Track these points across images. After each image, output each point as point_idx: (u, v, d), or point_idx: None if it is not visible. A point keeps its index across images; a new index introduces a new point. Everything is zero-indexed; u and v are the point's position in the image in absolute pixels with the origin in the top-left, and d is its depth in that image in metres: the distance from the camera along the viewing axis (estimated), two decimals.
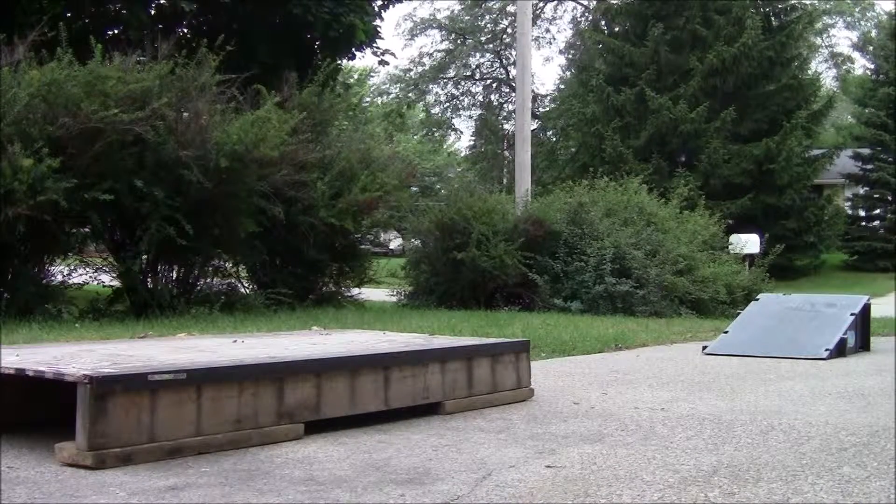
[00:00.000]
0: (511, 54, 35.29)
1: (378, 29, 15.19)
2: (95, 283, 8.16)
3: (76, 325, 6.61)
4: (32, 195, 6.52)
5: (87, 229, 7.80)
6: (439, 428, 3.05)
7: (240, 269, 9.42)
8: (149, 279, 7.97)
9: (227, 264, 9.11)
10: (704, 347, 5.84)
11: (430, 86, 40.87)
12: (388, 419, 3.10)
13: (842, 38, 72.05)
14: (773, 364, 5.13)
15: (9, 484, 2.21)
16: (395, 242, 16.46)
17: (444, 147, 46.43)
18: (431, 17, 40.13)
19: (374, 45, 15.35)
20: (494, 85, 41.43)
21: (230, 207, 7.96)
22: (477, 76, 41.54)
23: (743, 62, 23.74)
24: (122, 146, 7.19)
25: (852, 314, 5.88)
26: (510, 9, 34.62)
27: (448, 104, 41.87)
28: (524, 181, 14.05)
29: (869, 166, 27.68)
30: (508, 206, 11.45)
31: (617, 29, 27.16)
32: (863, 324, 6.06)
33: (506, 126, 37.91)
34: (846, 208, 28.85)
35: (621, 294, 9.76)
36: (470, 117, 42.10)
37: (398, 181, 9.97)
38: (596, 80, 25.06)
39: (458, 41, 40.31)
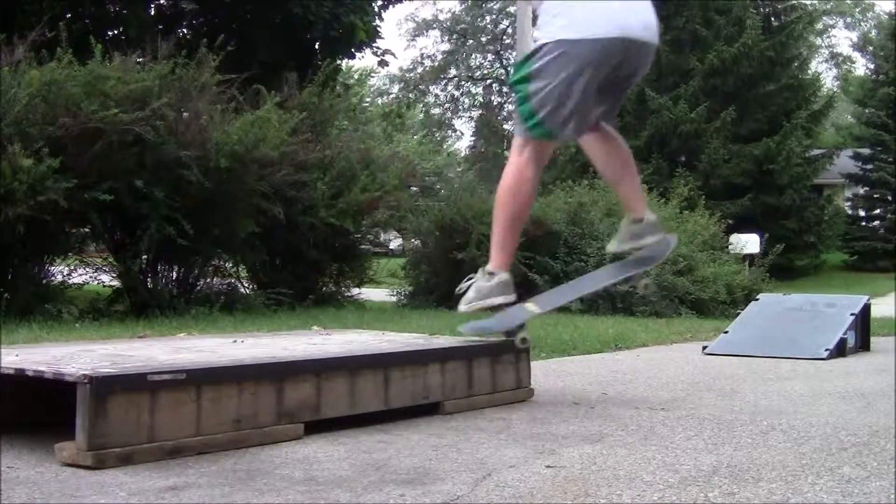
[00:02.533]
0: (511, 55, 35.28)
1: (378, 29, 15.19)
2: (95, 283, 8.16)
3: (76, 325, 6.61)
4: (32, 195, 6.52)
5: (87, 229, 7.80)
6: (439, 428, 3.05)
7: (240, 269, 9.42)
8: (149, 279, 7.97)
9: (227, 264, 9.11)
10: (704, 347, 5.84)
11: (431, 87, 40.90)
12: (388, 419, 3.10)
13: (842, 38, 72.05)
14: (773, 364, 5.13)
15: (9, 484, 2.21)
16: (395, 242, 16.45)
17: (444, 147, 46.45)
18: (433, 18, 40.17)
19: (374, 45, 15.35)
20: (494, 85, 41.46)
21: (230, 207, 7.96)
22: (477, 76, 41.56)
23: (743, 62, 23.74)
24: (122, 146, 7.19)
25: (852, 314, 5.88)
26: (511, 9, 34.62)
27: (448, 105, 41.91)
28: None
29: (869, 166, 27.70)
30: None
31: None
32: (863, 324, 6.06)
33: (506, 126, 37.93)
34: (846, 208, 28.87)
35: (621, 294, 9.77)
36: (470, 118, 42.13)
37: (398, 181, 9.97)
38: None
39: (459, 42, 40.33)
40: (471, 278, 3.40)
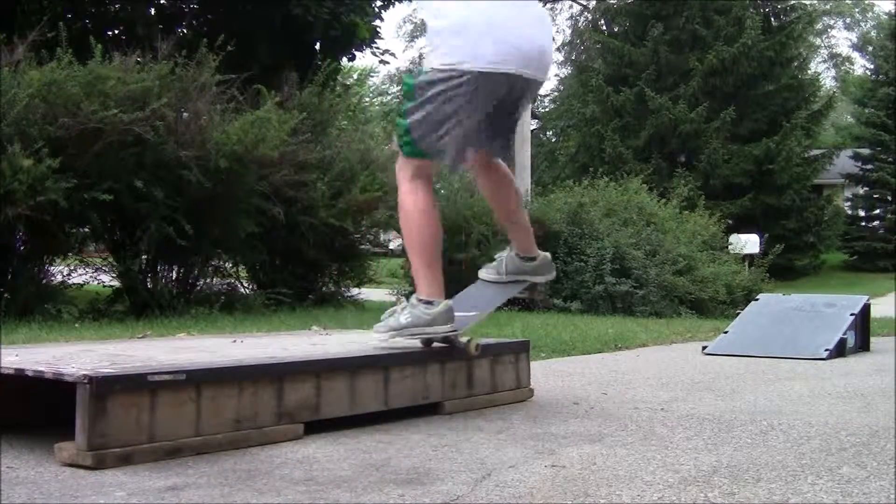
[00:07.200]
0: None
1: (378, 29, 15.21)
2: (95, 283, 8.16)
3: (76, 325, 6.61)
4: (32, 195, 6.52)
5: (87, 229, 7.80)
6: (439, 428, 3.04)
7: (240, 269, 9.42)
8: (149, 279, 7.97)
9: (227, 264, 9.10)
10: (704, 347, 5.84)
11: None
12: (388, 419, 3.10)
13: (841, 38, 72.08)
14: (773, 364, 5.14)
15: (9, 484, 2.21)
16: (395, 242, 16.43)
17: None
18: None
19: (374, 44, 15.36)
20: None
21: (230, 207, 7.96)
22: None
23: (743, 62, 23.76)
24: (122, 146, 7.18)
25: (852, 314, 5.88)
26: None
27: None
28: (524, 181, 14.03)
29: (869, 166, 27.72)
30: None
31: (617, 29, 27.17)
32: (863, 324, 6.06)
33: None
34: (846, 208, 28.89)
35: (621, 294, 9.77)
36: None
37: None
38: (595, 81, 25.08)
39: None
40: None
